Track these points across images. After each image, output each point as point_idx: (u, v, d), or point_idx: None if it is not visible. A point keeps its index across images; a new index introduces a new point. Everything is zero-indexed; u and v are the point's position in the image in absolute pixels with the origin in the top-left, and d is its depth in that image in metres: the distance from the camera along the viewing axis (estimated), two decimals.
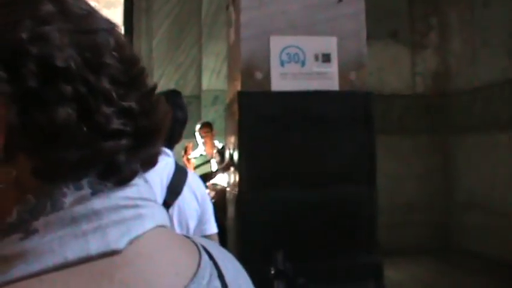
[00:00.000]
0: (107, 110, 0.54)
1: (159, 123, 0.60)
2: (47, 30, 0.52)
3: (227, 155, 4.39)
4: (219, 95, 7.91)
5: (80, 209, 0.52)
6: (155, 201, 0.59)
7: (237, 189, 3.82)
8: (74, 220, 0.52)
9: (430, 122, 8.07)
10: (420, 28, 8.29)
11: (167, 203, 2.28)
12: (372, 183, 3.89)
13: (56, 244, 0.50)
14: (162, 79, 8.10)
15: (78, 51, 0.53)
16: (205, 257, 0.60)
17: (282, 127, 3.77)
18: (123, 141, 0.55)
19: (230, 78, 4.52)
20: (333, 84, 3.88)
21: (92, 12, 0.58)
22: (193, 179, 2.51)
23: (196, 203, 2.44)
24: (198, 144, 6.40)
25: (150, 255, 0.54)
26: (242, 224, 3.73)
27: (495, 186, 6.94)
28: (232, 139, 4.05)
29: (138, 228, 0.54)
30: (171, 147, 2.45)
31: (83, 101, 0.52)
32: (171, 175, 2.31)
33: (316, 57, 3.87)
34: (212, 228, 2.54)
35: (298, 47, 3.86)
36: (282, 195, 3.71)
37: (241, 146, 3.80)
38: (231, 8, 4.26)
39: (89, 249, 0.51)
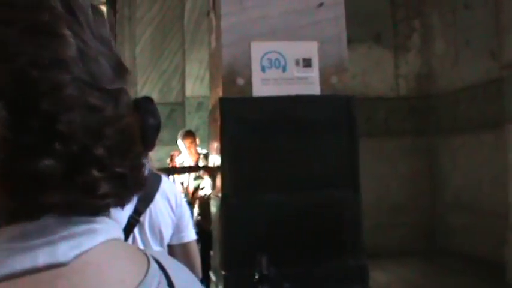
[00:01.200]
0: (98, 174, 0.54)
1: (144, 183, 0.62)
2: (63, 83, 0.51)
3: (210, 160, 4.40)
4: (203, 102, 7.93)
5: (31, 224, 0.53)
6: (109, 216, 0.60)
7: (220, 194, 3.82)
8: (24, 234, 0.52)
9: (414, 124, 8.12)
10: (403, 31, 8.34)
11: (138, 211, 2.25)
12: (356, 187, 3.90)
13: (3, 256, 0.51)
14: (146, 86, 8.11)
15: (84, 114, 0.53)
16: (154, 266, 0.60)
17: (265, 132, 3.77)
18: (109, 200, 0.57)
19: (212, 84, 4.52)
20: (314, 88, 3.89)
21: (110, 54, 0.58)
22: (167, 185, 2.47)
23: (170, 209, 2.40)
24: (181, 151, 6.41)
25: (97, 264, 0.54)
26: (226, 228, 3.72)
27: (481, 186, 6.98)
28: (215, 145, 4.04)
29: (90, 242, 0.55)
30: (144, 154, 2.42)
31: (73, 161, 0.52)
32: None
33: (297, 62, 3.88)
34: (190, 235, 2.51)
35: (279, 53, 3.86)
36: (265, 199, 3.70)
37: (224, 152, 3.80)
38: (212, 14, 4.26)
39: (36, 261, 0.51)
